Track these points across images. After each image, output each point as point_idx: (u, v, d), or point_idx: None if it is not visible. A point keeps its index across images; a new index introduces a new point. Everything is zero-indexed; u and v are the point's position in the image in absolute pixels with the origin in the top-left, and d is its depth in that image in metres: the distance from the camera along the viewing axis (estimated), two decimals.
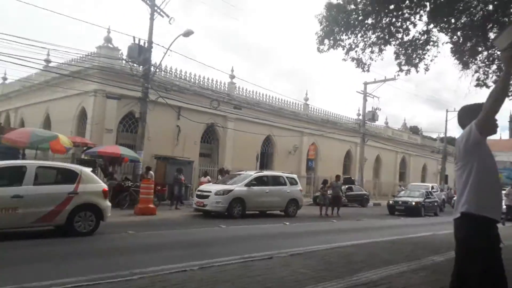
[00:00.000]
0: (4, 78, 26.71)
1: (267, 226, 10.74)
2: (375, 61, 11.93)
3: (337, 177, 16.56)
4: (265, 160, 24.84)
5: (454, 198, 24.07)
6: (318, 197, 16.53)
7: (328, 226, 11.77)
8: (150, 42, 15.72)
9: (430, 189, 21.57)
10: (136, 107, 16.99)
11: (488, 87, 13.14)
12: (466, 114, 2.73)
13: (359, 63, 11.52)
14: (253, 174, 13.79)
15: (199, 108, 19.67)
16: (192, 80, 20.49)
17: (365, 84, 26.69)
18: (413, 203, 17.75)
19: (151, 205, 12.35)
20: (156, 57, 39.86)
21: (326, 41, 10.57)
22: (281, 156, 25.46)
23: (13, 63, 13.11)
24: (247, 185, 12.94)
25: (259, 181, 13.53)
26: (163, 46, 15.79)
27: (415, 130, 49.60)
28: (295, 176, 15.77)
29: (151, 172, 14.35)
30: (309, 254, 6.09)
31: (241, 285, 4.22)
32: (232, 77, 22.87)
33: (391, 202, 18.99)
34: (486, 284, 2.35)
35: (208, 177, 16.49)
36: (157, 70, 16.97)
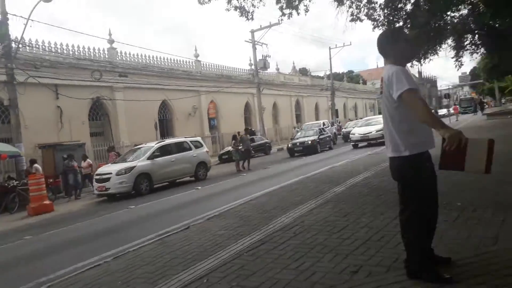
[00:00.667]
0: None
1: (179, 196, 10.54)
2: (258, 7, 11.92)
3: (246, 130, 16.96)
4: (165, 127, 23.98)
5: (344, 130, 26.21)
6: (232, 153, 16.56)
7: (239, 181, 12.03)
8: (4, 13, 13.36)
9: (322, 126, 23.25)
10: (2, 93, 14.66)
11: (361, 20, 14.20)
12: (387, 40, 2.79)
13: (243, 11, 11.41)
14: (154, 145, 13.15)
15: (79, 82, 17.79)
16: (65, 51, 18.21)
17: (252, 32, 26.84)
18: (309, 142, 18.99)
19: (46, 202, 11.08)
20: (15, 30, 34.45)
21: None
22: (181, 120, 24.80)
23: None
24: (149, 158, 12.36)
25: (163, 151, 13.00)
26: (22, 17, 13.53)
27: (304, 71, 52.47)
28: (199, 138, 15.51)
29: (37, 165, 12.80)
30: (224, 214, 6.16)
31: (162, 263, 4.10)
32: (111, 41, 20.85)
33: (289, 145, 20.02)
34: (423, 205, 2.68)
35: (88, 160, 14.87)
36: (20, 45, 14.66)
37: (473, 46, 26.12)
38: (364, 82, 64.89)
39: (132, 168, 11.77)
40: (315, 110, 42.14)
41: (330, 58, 37.25)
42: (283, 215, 5.39)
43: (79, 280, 4.02)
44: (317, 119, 37.57)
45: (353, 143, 18.86)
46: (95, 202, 12.05)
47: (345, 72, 69.43)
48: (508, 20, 19.10)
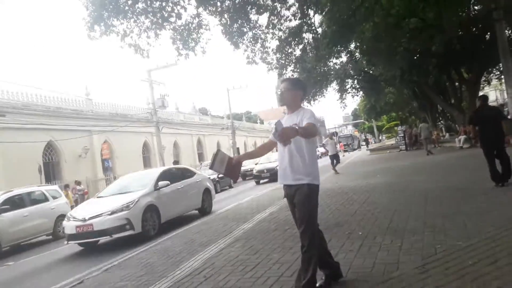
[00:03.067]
0: None
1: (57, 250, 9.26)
2: (153, 46, 11.80)
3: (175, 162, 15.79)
4: (51, 170, 21.50)
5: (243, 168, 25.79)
6: None
7: None
8: None
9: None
10: None
11: (256, 63, 15.04)
12: (294, 86, 3.26)
13: (137, 49, 11.16)
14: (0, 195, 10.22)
15: None
16: None
17: (149, 71, 26.31)
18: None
19: None
20: None
21: (96, 27, 9.69)
22: (71, 162, 22.52)
23: None
24: None
25: (12, 202, 10.22)
26: None
27: (204, 111, 53.08)
28: (55, 187, 12.94)
29: None
30: (125, 263, 5.55)
31: None
32: None
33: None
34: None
35: None
36: None
37: (354, 89, 29.71)
38: (262, 122, 68.17)
39: None
40: (217, 148, 42.43)
41: (229, 99, 38.39)
42: (191, 258, 5.07)
43: None
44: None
45: (256, 180, 19.21)
46: None
47: (243, 112, 72.23)
48: (380, 67, 22.30)
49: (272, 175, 17.96)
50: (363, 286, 3.06)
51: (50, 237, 11.10)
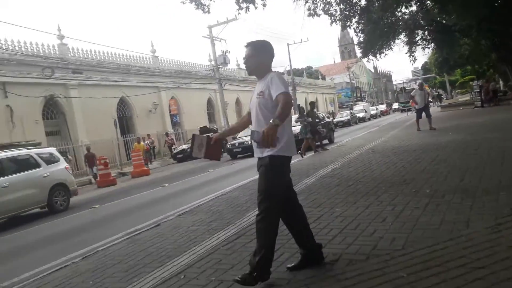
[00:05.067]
0: None
1: (144, 194, 10.21)
2: (214, 1, 11.75)
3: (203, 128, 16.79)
4: (125, 124, 23.19)
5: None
6: (301, 130, 12.90)
7: (205, 177, 11.83)
8: None
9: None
10: None
11: (318, 15, 14.44)
12: (256, 51, 3.01)
13: (198, 4, 11.22)
14: None
15: (29, 80, 16.78)
16: (11, 47, 17.07)
17: (210, 27, 26.46)
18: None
19: None
20: None
21: None
22: (142, 117, 24.08)
23: None
24: None
25: None
26: None
27: None
28: (52, 149, 10.97)
29: None
30: (196, 210, 6.02)
31: (134, 261, 3.93)
32: (61, 37, 19.76)
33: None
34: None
35: None
36: None
37: (424, 41, 27.41)
38: (323, 77, 66.30)
39: None
40: None
41: (289, 54, 37.62)
42: (255, 208, 5.33)
43: (47, 282, 3.79)
44: None
45: (230, 155, 17.37)
46: None
47: (304, 68, 70.55)
48: (453, 16, 20.21)
49: (244, 149, 16.42)
50: (428, 242, 3.06)
51: (46, 209, 9.71)
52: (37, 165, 9.54)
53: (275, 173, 2.83)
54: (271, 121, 2.57)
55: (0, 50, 16.44)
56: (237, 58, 46.57)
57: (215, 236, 4.31)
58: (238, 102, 34.94)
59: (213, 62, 28.02)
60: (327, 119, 17.69)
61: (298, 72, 55.61)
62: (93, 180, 16.00)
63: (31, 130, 17.18)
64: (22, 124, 17.05)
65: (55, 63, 18.39)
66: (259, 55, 3.00)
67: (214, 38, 26.72)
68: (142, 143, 19.89)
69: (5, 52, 16.55)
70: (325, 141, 15.06)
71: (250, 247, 3.73)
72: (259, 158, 2.93)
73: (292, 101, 2.87)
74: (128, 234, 5.32)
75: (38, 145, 15.41)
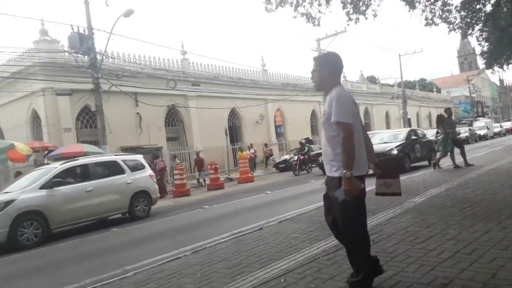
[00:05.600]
0: None
1: (249, 199, 10.75)
2: (324, 13, 11.85)
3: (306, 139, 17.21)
4: (234, 133, 24.67)
5: None
6: (441, 142, 11.74)
7: (309, 187, 11.89)
8: (90, 28, 14.72)
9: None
10: (90, 100, 16.16)
11: (436, 24, 13.45)
12: (320, 65, 2.91)
13: (309, 17, 11.42)
14: (58, 166, 8.75)
15: (156, 91, 19.01)
16: (143, 62, 19.61)
17: (318, 40, 26.64)
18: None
19: None
20: (100, 43, 38.05)
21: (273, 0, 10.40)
22: (250, 127, 25.36)
23: None
24: (45, 186, 8.10)
25: (71, 175, 8.83)
26: (105, 31, 14.89)
27: (372, 79, 50.83)
28: (139, 157, 10.74)
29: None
30: (297, 218, 6.13)
31: (238, 260, 4.18)
32: (184, 52, 22.10)
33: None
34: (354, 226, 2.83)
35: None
36: (104, 57, 16.08)
37: None
38: (438, 90, 61.02)
39: (8, 203, 7.50)
40: (386, 118, 40.49)
41: (401, 65, 35.65)
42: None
43: (162, 270, 4.26)
44: (387, 127, 36.05)
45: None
46: (174, 201, 12.88)
47: (416, 80, 65.98)
48: None
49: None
50: None
51: (126, 215, 9.73)
52: (122, 171, 9.58)
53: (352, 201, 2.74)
54: (343, 174, 2.60)
55: (134, 65, 19.02)
56: (343, 71, 45.96)
57: (315, 246, 4.35)
58: None
59: None
60: (427, 138, 15.41)
61: (410, 85, 52.23)
62: (203, 183, 17.28)
63: (155, 135, 19.48)
64: (148, 129, 19.44)
65: (177, 76, 20.54)
66: (322, 69, 2.89)
67: (321, 51, 26.82)
68: (245, 152, 20.81)
69: (137, 66, 19.09)
70: (424, 162, 13.77)
71: None
72: (328, 177, 2.91)
73: (353, 133, 2.73)
74: (233, 235, 5.68)
75: (160, 149, 17.46)
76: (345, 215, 2.76)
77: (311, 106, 30.77)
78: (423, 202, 6.12)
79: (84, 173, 8.99)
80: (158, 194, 10.76)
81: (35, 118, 18.00)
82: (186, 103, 21.52)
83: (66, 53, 16.16)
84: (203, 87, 21.64)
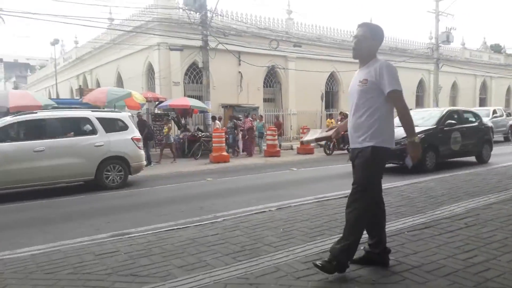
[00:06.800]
0: (76, 42, 28.64)
1: (338, 167, 10.69)
2: None
3: None
4: (330, 99, 24.14)
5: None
6: None
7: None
8: None
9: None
10: (198, 56, 17.22)
11: None
12: (374, 35, 2.85)
13: None
14: (7, 118, 7.90)
15: (258, 51, 19.34)
16: (249, 21, 19.94)
17: (437, 1, 23.99)
18: None
19: (224, 153, 12.91)
20: (211, 1, 39.48)
21: None
22: (347, 93, 24.42)
23: (80, 25, 13.88)
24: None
25: (25, 130, 7.79)
26: None
27: (497, 48, 44.26)
28: (122, 115, 8.88)
29: (218, 122, 14.79)
30: (386, 191, 5.95)
31: (320, 222, 4.32)
32: (290, 12, 21.86)
33: None
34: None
35: (217, 122, 14.94)
36: (214, 15, 16.74)
37: None
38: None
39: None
40: (506, 95, 35.49)
41: None
42: (453, 203, 4.93)
43: (248, 220, 4.62)
44: (507, 105, 31.72)
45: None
46: (264, 160, 13.39)
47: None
48: None
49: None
50: None
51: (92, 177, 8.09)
52: (93, 132, 8.09)
53: (376, 165, 2.78)
54: (408, 140, 2.71)
55: (241, 23, 19.47)
56: (462, 37, 40.91)
57: (402, 220, 4.26)
58: (454, 86, 30.97)
59: (433, 40, 25.51)
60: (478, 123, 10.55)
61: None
62: (294, 146, 17.44)
63: (253, 95, 20.10)
64: (248, 89, 20.11)
65: (280, 37, 20.51)
66: (374, 38, 2.83)
67: (439, 13, 24.17)
68: (333, 120, 20.09)
69: (243, 25, 19.51)
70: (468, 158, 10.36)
71: (438, 239, 3.57)
72: (355, 149, 2.86)
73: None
74: (317, 198, 5.82)
75: (257, 109, 17.92)
76: (369, 172, 2.78)
77: (419, 74, 28.32)
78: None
79: (40, 130, 7.65)
80: (143, 162, 8.92)
81: (150, 71, 19.87)
82: (286, 64, 21.52)
83: (181, 10, 17.22)
84: (304, 48, 21.33)
